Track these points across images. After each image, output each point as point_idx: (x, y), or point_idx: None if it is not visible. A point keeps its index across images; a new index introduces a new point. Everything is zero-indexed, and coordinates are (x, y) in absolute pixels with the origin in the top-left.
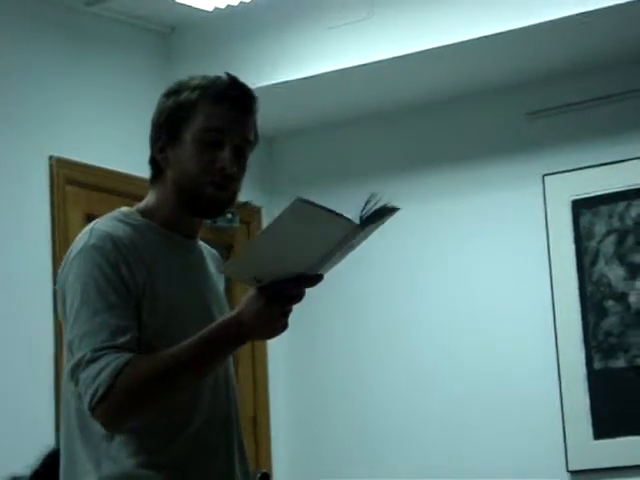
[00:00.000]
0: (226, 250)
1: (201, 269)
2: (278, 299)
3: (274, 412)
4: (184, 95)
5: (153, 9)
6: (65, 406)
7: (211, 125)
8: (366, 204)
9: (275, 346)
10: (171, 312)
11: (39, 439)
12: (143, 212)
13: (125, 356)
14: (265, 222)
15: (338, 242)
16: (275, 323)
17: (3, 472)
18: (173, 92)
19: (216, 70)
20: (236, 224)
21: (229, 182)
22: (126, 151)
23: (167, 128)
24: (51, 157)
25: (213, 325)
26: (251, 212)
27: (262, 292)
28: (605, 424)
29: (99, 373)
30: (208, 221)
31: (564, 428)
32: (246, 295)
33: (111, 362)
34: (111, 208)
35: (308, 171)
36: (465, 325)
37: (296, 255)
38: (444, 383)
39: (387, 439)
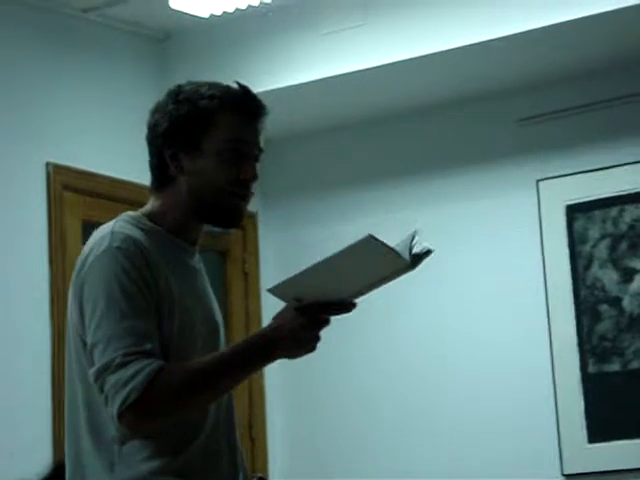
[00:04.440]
0: (221, 256)
1: (203, 276)
2: (316, 321)
3: (270, 419)
4: (202, 104)
5: (149, 16)
6: (72, 407)
7: (234, 136)
8: (412, 241)
9: None
10: (184, 318)
11: (36, 441)
12: (150, 217)
13: (158, 362)
14: (260, 228)
15: (384, 277)
16: (307, 344)
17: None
18: (185, 100)
19: (212, 76)
20: (231, 230)
21: (250, 193)
22: (122, 157)
23: (182, 136)
24: (48, 164)
25: (246, 339)
26: (246, 218)
27: (303, 312)
28: (600, 428)
29: (133, 377)
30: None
31: (559, 432)
32: (282, 312)
33: (144, 367)
34: (108, 214)
35: (303, 177)
36: (459, 329)
37: (341, 284)
38: (439, 388)
39: (383, 445)
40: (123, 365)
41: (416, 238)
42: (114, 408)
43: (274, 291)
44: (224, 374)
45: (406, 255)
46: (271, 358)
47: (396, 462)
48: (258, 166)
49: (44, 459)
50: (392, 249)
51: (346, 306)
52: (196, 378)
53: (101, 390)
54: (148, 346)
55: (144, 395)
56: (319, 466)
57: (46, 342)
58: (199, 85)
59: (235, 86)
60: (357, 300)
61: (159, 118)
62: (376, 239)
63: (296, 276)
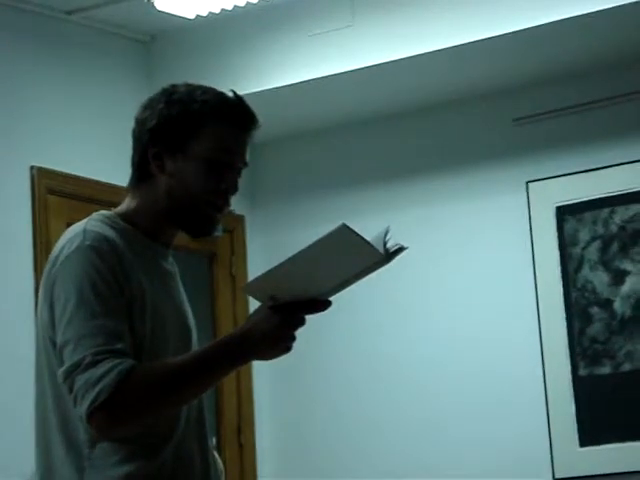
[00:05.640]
0: (209, 259)
1: (176, 279)
2: (292, 321)
3: (259, 421)
4: (194, 107)
5: (134, 17)
6: (41, 412)
7: (222, 146)
8: (385, 237)
9: None
10: (155, 320)
11: (18, 444)
12: (124, 217)
13: (129, 362)
14: (248, 231)
15: (359, 272)
16: (282, 344)
17: None
18: (177, 100)
19: (198, 78)
20: (219, 233)
21: (227, 204)
22: (107, 160)
23: (169, 136)
24: (32, 167)
25: (220, 339)
26: (234, 221)
27: (277, 312)
28: (591, 431)
29: (103, 377)
30: None
31: (550, 435)
32: (256, 312)
33: (115, 367)
34: None
35: (291, 179)
36: (449, 331)
37: (316, 279)
38: (428, 390)
39: (372, 449)
40: (93, 364)
41: (389, 234)
42: (83, 408)
43: (249, 289)
44: (196, 375)
45: (380, 248)
46: (244, 359)
47: (386, 466)
48: (239, 180)
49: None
50: (366, 241)
51: (322, 304)
52: (167, 379)
53: (70, 390)
54: (119, 345)
55: (114, 395)
56: (308, 471)
57: (31, 347)
58: (194, 88)
59: (230, 94)
60: (332, 298)
61: (149, 115)
62: (350, 229)
63: (270, 271)
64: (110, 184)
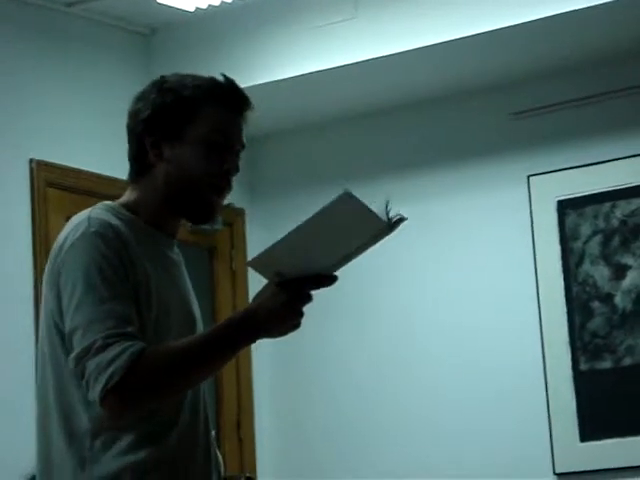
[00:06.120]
0: (209, 253)
1: (180, 268)
2: (299, 297)
3: (258, 415)
4: (186, 93)
5: (134, 10)
6: (43, 402)
7: (220, 127)
8: (386, 207)
9: (259, 349)
10: (160, 308)
11: (18, 437)
12: (127, 207)
13: (140, 344)
14: (248, 224)
15: (362, 244)
16: (291, 321)
17: None
18: (169, 89)
19: (198, 70)
20: (219, 226)
21: (229, 187)
22: (107, 153)
23: (165, 124)
24: (32, 160)
25: (229, 318)
26: (233, 214)
27: (284, 289)
28: (592, 426)
29: (114, 359)
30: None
31: (550, 430)
32: (263, 290)
33: (126, 349)
34: None
35: (291, 173)
36: (449, 326)
37: (320, 252)
38: (429, 386)
39: (372, 444)
40: (104, 348)
41: (389, 205)
42: (96, 392)
43: (253, 264)
44: (206, 355)
45: (383, 217)
46: (254, 337)
47: (386, 461)
48: (239, 161)
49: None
50: (369, 208)
51: (328, 279)
52: (178, 359)
53: (82, 375)
54: (129, 329)
55: (127, 377)
56: (308, 466)
57: (30, 340)
58: (183, 76)
59: (221, 78)
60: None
61: (142, 106)
62: (353, 196)
63: (274, 245)
64: (110, 177)
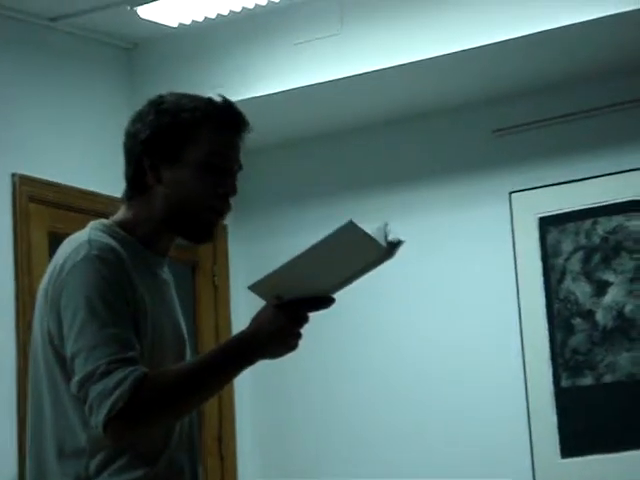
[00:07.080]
0: (191, 268)
1: (170, 287)
2: (297, 319)
3: (240, 432)
4: (184, 115)
5: (117, 25)
6: (36, 421)
7: (218, 149)
8: (385, 230)
9: None
10: (155, 333)
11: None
12: (121, 226)
13: (142, 369)
14: (230, 240)
15: (362, 268)
16: (290, 343)
17: None
18: (167, 110)
19: (181, 86)
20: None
21: (228, 208)
22: (89, 168)
23: (163, 146)
24: (14, 174)
25: (227, 341)
26: (217, 230)
27: (283, 311)
28: (573, 442)
29: (117, 386)
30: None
31: (531, 446)
32: (261, 312)
33: (129, 375)
34: (74, 226)
35: (275, 189)
36: (431, 342)
37: (321, 277)
38: (410, 399)
39: (356, 456)
40: (107, 374)
41: (389, 227)
42: (99, 418)
43: (254, 288)
44: (207, 378)
45: (383, 242)
46: (253, 359)
47: (367, 469)
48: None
49: (9, 474)
50: (371, 236)
51: (326, 301)
52: (181, 383)
53: (84, 400)
54: (131, 354)
55: (130, 403)
56: (290, 477)
57: (11, 356)
58: (181, 96)
59: (218, 99)
60: (334, 296)
61: (140, 127)
62: (357, 225)
63: (276, 271)
64: (92, 192)
